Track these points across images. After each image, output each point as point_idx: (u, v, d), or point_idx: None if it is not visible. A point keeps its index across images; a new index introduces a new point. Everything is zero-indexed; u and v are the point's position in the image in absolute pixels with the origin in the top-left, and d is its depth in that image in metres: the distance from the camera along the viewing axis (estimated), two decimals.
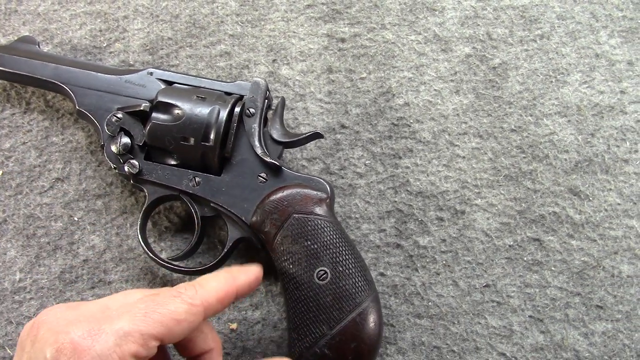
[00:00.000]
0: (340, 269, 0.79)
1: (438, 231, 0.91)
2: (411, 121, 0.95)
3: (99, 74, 0.88)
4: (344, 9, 1.00)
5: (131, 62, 0.97)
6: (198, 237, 0.84)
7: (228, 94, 0.86)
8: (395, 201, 0.92)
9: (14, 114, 0.94)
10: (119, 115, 0.84)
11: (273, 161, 0.83)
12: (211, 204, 0.83)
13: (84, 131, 0.93)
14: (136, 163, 0.83)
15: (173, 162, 0.84)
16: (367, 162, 0.94)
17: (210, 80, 0.87)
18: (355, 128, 0.95)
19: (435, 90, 0.97)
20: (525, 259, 0.90)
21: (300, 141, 0.86)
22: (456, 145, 0.94)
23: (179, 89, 0.86)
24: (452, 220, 0.91)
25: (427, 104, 0.96)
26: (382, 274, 0.89)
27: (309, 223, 0.80)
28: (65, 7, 0.99)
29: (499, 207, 0.92)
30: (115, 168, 0.85)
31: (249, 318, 0.88)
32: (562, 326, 0.88)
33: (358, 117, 0.95)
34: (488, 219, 0.91)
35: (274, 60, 0.98)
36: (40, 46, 0.95)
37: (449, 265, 0.90)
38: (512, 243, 0.91)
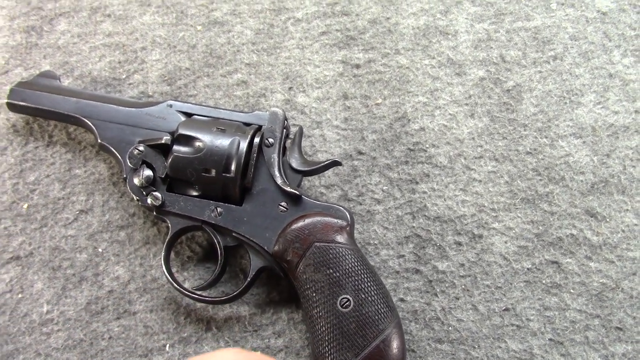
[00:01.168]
0: (363, 296, 0.80)
1: (456, 256, 0.92)
2: (427, 146, 0.96)
3: (119, 107, 0.89)
4: (357, 35, 1.02)
5: (150, 93, 0.99)
6: (221, 266, 0.86)
7: (247, 124, 0.88)
8: (414, 226, 0.93)
9: (37, 147, 0.96)
10: (141, 148, 0.86)
11: (293, 190, 0.84)
12: (233, 234, 0.85)
13: (105, 163, 0.95)
14: (159, 195, 0.85)
15: (195, 193, 0.85)
16: (384, 187, 0.95)
17: (228, 111, 0.89)
18: (372, 154, 0.96)
19: (450, 114, 0.98)
20: (544, 281, 0.91)
21: (319, 169, 0.87)
22: (472, 169, 0.95)
23: (199, 121, 0.87)
24: (470, 244, 0.92)
25: (442, 128, 0.97)
26: (402, 300, 0.90)
27: (331, 251, 0.81)
28: (85, 39, 1.01)
29: (517, 231, 0.93)
30: (138, 200, 0.86)
31: (272, 346, 0.89)
32: (582, 349, 0.88)
33: (374, 143, 0.97)
34: (506, 242, 0.92)
35: (290, 88, 0.99)
36: (61, 80, 0.96)
37: (468, 290, 0.91)
38: (530, 266, 0.91)
